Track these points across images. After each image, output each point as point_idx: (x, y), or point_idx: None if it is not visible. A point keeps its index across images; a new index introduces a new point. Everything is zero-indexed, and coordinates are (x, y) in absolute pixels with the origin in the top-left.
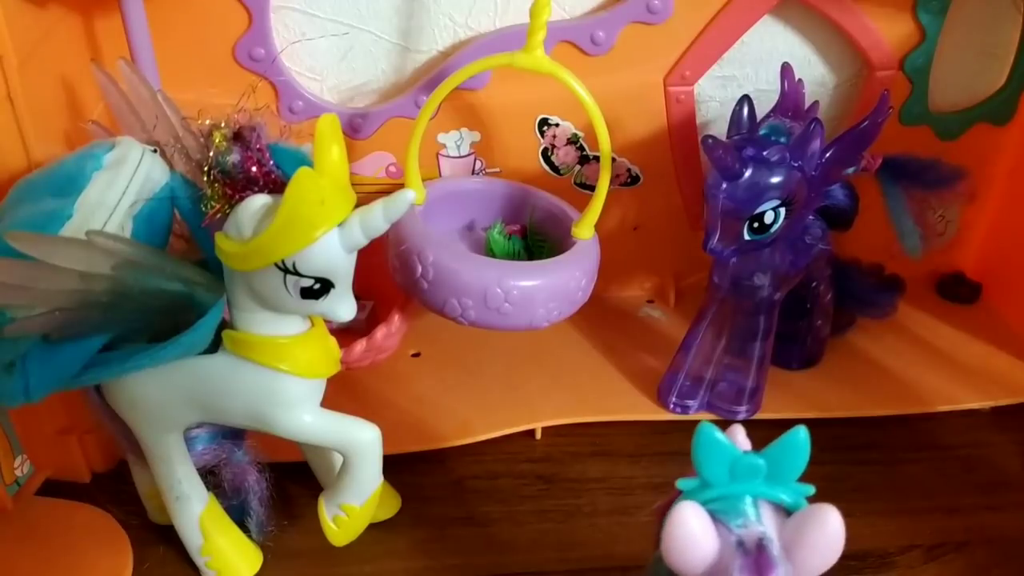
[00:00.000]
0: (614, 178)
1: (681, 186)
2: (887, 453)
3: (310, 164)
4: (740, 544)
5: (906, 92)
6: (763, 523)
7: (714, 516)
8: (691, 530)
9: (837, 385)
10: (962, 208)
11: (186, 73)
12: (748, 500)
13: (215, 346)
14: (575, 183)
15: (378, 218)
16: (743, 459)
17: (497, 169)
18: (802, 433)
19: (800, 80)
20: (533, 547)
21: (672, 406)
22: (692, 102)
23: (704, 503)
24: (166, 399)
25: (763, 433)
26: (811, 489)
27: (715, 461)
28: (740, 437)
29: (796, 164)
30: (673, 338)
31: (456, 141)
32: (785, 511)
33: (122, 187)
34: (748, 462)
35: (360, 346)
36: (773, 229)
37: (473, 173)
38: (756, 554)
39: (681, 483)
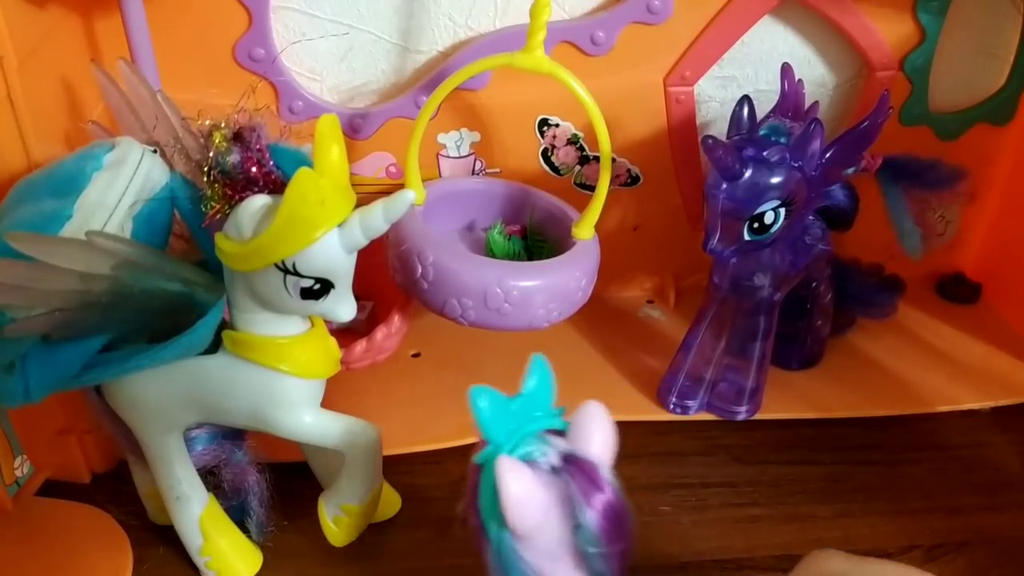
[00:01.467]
0: (614, 178)
1: (681, 186)
2: (887, 453)
3: (310, 164)
4: (555, 470)
5: (906, 92)
6: (556, 445)
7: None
8: (523, 484)
9: (837, 385)
10: (962, 208)
11: (186, 73)
12: (531, 439)
13: (215, 346)
14: (575, 183)
15: (378, 218)
16: (511, 403)
17: (497, 169)
18: (537, 359)
19: (800, 80)
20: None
21: (672, 406)
22: (692, 102)
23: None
24: (166, 399)
25: (764, 433)
26: (563, 408)
27: (497, 420)
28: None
29: (796, 164)
30: (673, 338)
31: (456, 141)
32: (559, 433)
33: (122, 187)
34: (516, 404)
35: (360, 346)
36: (773, 229)
37: (473, 173)
38: (575, 464)
39: (477, 458)
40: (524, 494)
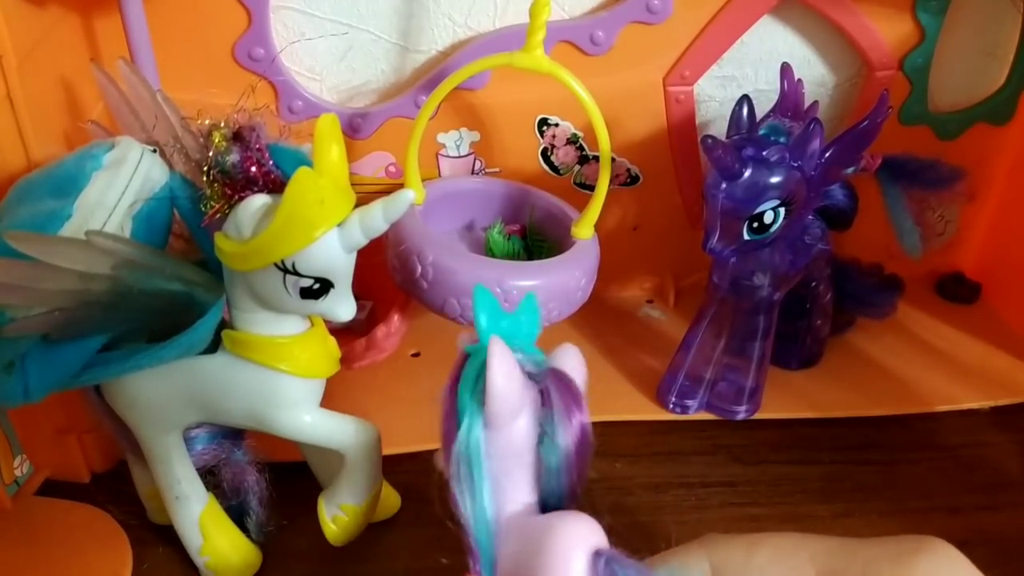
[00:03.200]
0: (613, 178)
1: (681, 186)
2: (887, 453)
3: (310, 164)
4: (532, 376)
5: (905, 92)
6: (535, 360)
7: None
8: (506, 358)
9: (837, 385)
10: (961, 208)
11: (185, 73)
12: (522, 352)
13: (215, 346)
14: (575, 183)
15: (378, 218)
16: (510, 316)
17: (497, 169)
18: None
19: (800, 80)
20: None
21: (671, 406)
22: (692, 102)
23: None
24: (165, 399)
25: (764, 433)
26: (542, 355)
27: (494, 314)
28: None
29: (796, 164)
30: (673, 338)
31: (456, 141)
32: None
33: (121, 187)
34: (512, 319)
35: (360, 346)
36: (773, 229)
37: (473, 173)
38: (557, 379)
39: (467, 347)
40: (509, 374)
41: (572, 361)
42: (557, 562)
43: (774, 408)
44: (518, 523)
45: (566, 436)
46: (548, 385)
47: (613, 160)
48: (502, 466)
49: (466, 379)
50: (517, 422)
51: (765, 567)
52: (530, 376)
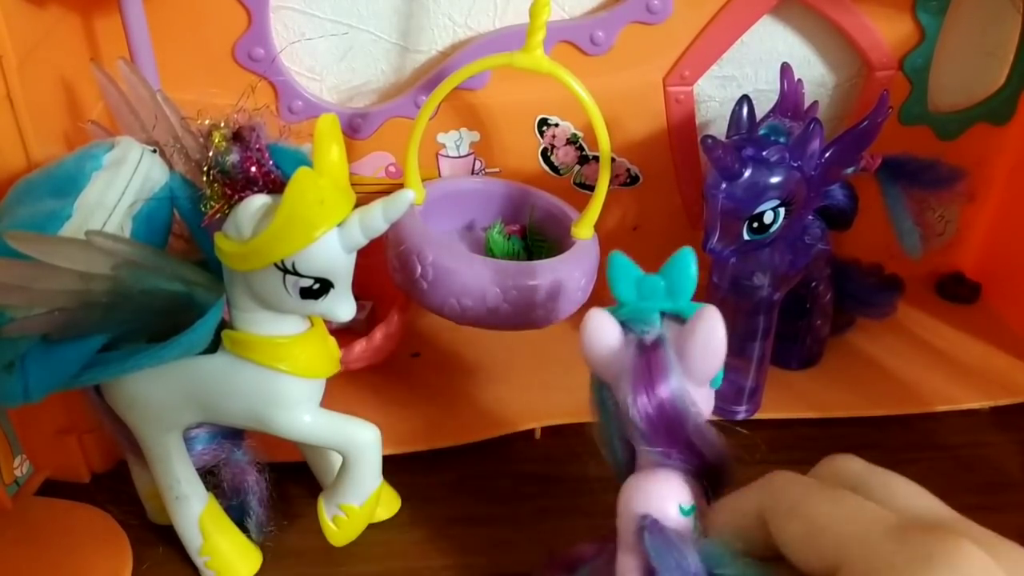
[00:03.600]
0: (613, 178)
1: (681, 186)
2: (887, 453)
3: (310, 164)
4: (640, 344)
5: (905, 92)
6: (664, 330)
7: (625, 324)
8: (595, 325)
9: (836, 385)
10: (961, 208)
11: (185, 73)
12: (655, 314)
13: (215, 346)
14: (575, 183)
15: (378, 218)
16: (646, 279)
17: (497, 169)
18: (688, 252)
19: (800, 80)
20: (533, 547)
21: None
22: (692, 102)
23: (620, 317)
24: (165, 399)
25: (764, 433)
26: (705, 305)
27: (624, 282)
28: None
29: (796, 164)
30: None
31: (455, 141)
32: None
33: (121, 187)
34: (650, 281)
35: (359, 346)
36: (773, 229)
37: (472, 173)
38: (650, 351)
39: (608, 310)
40: (591, 338)
41: (699, 329)
42: (625, 524)
43: (774, 408)
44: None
45: (632, 407)
46: (633, 355)
47: (613, 160)
48: (619, 415)
49: None
50: (620, 384)
51: (792, 539)
52: (638, 343)
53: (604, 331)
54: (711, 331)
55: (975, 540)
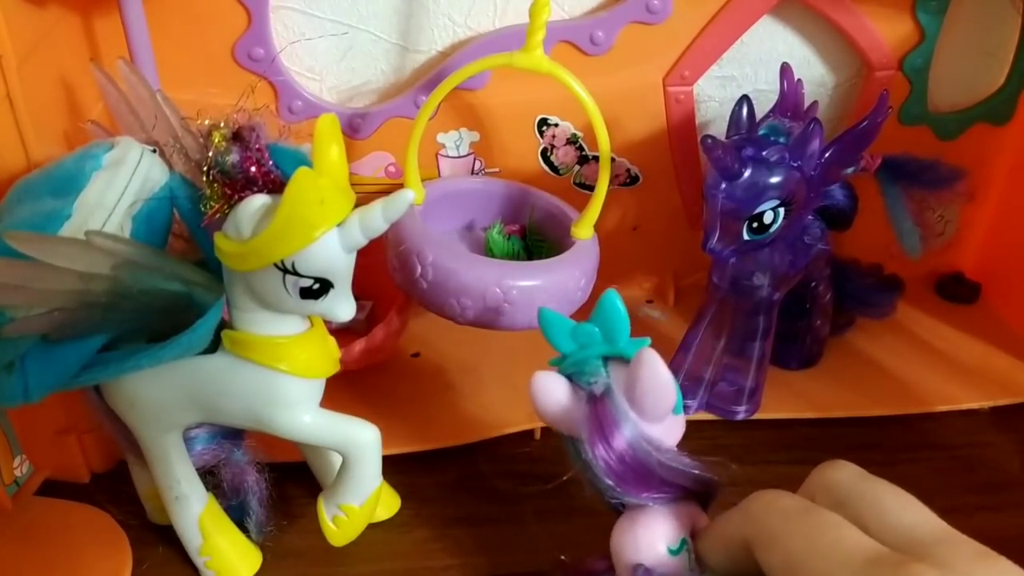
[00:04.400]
0: (613, 178)
1: (680, 186)
2: (886, 453)
3: (309, 164)
4: (590, 397)
5: (905, 92)
6: (611, 377)
7: (572, 379)
8: (541, 385)
9: (836, 385)
10: (961, 208)
11: (185, 73)
12: (596, 361)
13: (214, 346)
14: (574, 183)
15: (377, 218)
16: (579, 328)
17: (496, 169)
18: (612, 294)
19: (799, 80)
20: (533, 547)
21: None
22: (691, 102)
23: (566, 371)
24: (165, 399)
25: (764, 433)
26: (647, 341)
27: (559, 334)
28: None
29: (795, 164)
30: (672, 338)
31: (455, 141)
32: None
33: (121, 187)
34: (583, 329)
35: (359, 346)
36: (772, 229)
37: (472, 173)
38: (599, 404)
39: (551, 362)
40: (541, 399)
41: (642, 374)
42: (620, 571)
43: (774, 408)
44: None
45: (592, 457)
46: (584, 409)
47: (613, 160)
48: (594, 471)
49: None
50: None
51: (773, 570)
52: (590, 397)
53: (551, 390)
54: (653, 372)
55: (959, 559)
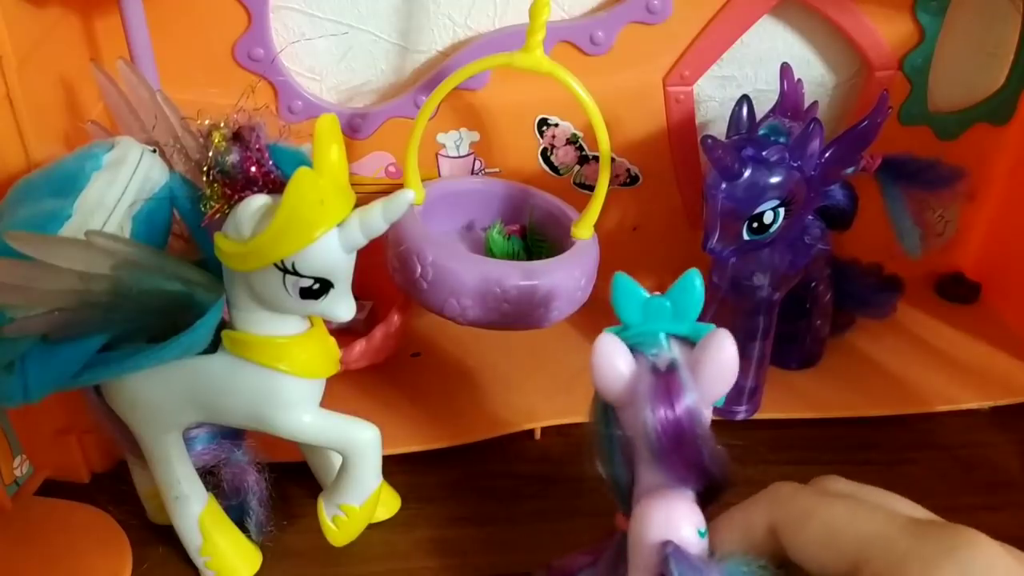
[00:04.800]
0: (613, 178)
1: (680, 186)
2: (886, 453)
3: (309, 164)
4: (654, 368)
5: (905, 92)
6: (674, 352)
7: (633, 348)
8: (607, 351)
9: (836, 385)
10: (961, 208)
11: (185, 73)
12: (661, 336)
13: (214, 346)
14: (574, 183)
15: (377, 218)
16: (652, 300)
17: (496, 169)
18: (694, 273)
19: (799, 80)
20: (533, 547)
21: None
22: (691, 102)
23: (628, 341)
24: (165, 399)
25: (764, 433)
26: (711, 326)
27: (630, 304)
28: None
29: (795, 164)
30: None
31: (455, 141)
32: (692, 344)
33: (121, 187)
34: (656, 302)
35: (359, 346)
36: (772, 229)
37: (472, 173)
38: (666, 374)
39: (607, 330)
40: (605, 365)
41: (714, 353)
42: (641, 550)
43: (774, 408)
44: (642, 497)
45: (651, 425)
46: (652, 377)
47: (613, 160)
48: (632, 440)
49: None
50: (628, 407)
51: (808, 544)
52: (653, 368)
53: (616, 356)
54: (729, 356)
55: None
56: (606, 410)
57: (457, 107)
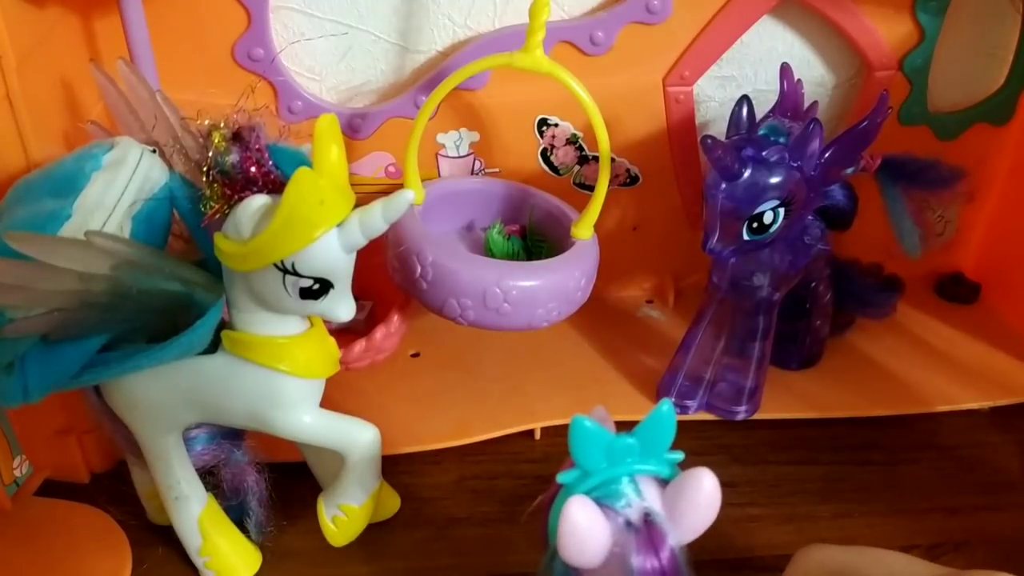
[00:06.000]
0: (613, 178)
1: (680, 186)
2: (887, 453)
3: (309, 164)
4: (629, 524)
5: (905, 92)
6: (645, 498)
7: (599, 503)
8: (584, 525)
9: (836, 385)
10: (961, 208)
11: (185, 73)
12: (626, 480)
13: (214, 346)
14: (574, 183)
15: (377, 218)
16: (617, 441)
17: (496, 169)
18: (666, 407)
19: (799, 80)
20: (533, 547)
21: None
22: (691, 102)
23: (587, 492)
24: (165, 399)
25: (764, 433)
26: (681, 455)
27: (592, 450)
28: (601, 414)
29: (795, 164)
30: (672, 338)
31: (455, 141)
32: (662, 481)
33: (121, 187)
34: (622, 444)
35: (359, 346)
36: (772, 229)
37: (472, 173)
38: (646, 530)
39: (561, 477)
40: (583, 538)
41: (693, 494)
42: None
43: (774, 408)
44: None
45: (637, 571)
46: (629, 533)
47: (613, 160)
48: None
49: (554, 514)
50: (600, 570)
51: None
52: (627, 524)
53: (595, 525)
54: (703, 496)
55: None
56: (557, 566)
57: (457, 107)
